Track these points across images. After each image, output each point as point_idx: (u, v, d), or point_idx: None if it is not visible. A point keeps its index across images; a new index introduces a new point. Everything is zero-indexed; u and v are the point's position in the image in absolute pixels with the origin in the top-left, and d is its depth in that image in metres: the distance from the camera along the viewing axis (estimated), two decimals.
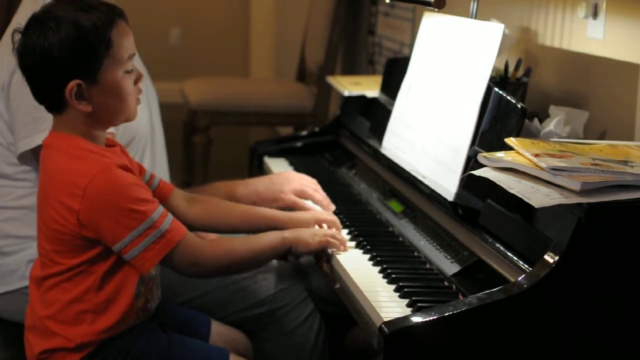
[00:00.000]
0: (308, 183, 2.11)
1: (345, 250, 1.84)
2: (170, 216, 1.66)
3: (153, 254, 1.63)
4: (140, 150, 2.08)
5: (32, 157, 1.93)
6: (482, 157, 1.70)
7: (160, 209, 1.65)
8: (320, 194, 2.10)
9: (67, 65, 1.60)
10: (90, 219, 1.61)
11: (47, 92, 1.65)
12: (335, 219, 1.96)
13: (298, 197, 2.07)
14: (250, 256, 1.77)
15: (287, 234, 1.81)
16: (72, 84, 1.61)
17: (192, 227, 1.88)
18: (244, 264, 1.80)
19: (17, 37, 1.64)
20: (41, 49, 1.60)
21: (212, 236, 2.06)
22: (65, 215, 1.62)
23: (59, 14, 1.61)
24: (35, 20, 1.63)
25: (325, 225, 1.94)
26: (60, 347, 1.67)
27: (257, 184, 2.10)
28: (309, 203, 2.09)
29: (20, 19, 1.98)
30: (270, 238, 1.79)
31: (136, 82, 1.69)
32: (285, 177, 2.13)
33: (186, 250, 1.66)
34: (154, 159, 2.15)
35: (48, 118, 1.86)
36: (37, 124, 1.88)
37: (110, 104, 1.65)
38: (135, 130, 2.03)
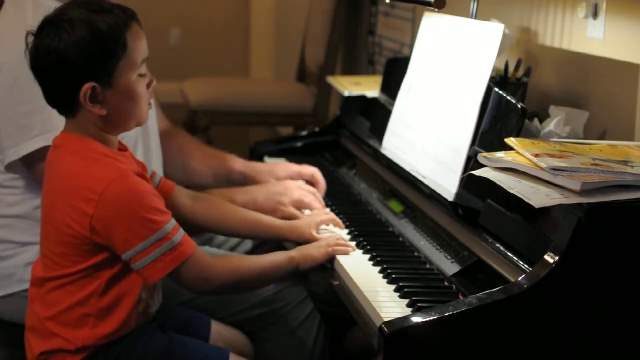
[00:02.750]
0: (306, 191, 2.12)
1: (353, 250, 1.84)
2: (181, 230, 1.65)
3: (162, 266, 1.62)
4: (131, 147, 2.06)
5: (20, 165, 1.91)
6: (482, 157, 1.70)
7: (173, 221, 1.64)
8: (319, 202, 2.10)
9: (83, 68, 1.59)
10: (103, 224, 1.59)
11: (61, 95, 1.63)
12: (334, 216, 1.97)
13: (297, 208, 2.07)
14: (257, 276, 1.76)
15: (294, 253, 1.80)
16: (87, 86, 1.59)
17: (193, 225, 1.88)
18: (251, 283, 1.79)
19: (30, 39, 1.62)
20: (56, 50, 1.58)
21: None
22: (77, 219, 1.61)
23: (73, 15, 1.59)
24: (48, 22, 1.61)
25: (331, 226, 1.95)
26: (60, 348, 1.66)
27: (256, 193, 2.11)
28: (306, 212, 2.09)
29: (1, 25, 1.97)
30: (277, 258, 1.78)
31: (148, 85, 1.68)
32: (284, 187, 2.12)
33: (195, 265, 1.65)
34: (148, 157, 2.13)
35: (35, 126, 1.85)
36: (23, 133, 1.86)
37: (124, 107, 1.64)
38: None
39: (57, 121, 1.81)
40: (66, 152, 1.66)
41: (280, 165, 2.27)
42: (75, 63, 1.58)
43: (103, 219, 1.59)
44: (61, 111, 1.67)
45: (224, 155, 2.31)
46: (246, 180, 2.26)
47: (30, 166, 1.90)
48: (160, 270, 1.62)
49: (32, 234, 1.92)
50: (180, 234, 1.64)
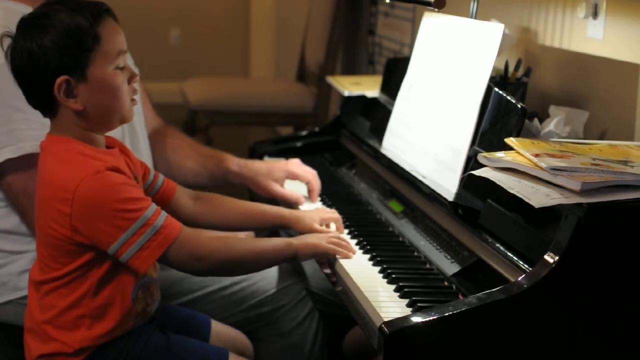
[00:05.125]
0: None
1: (353, 253, 1.83)
2: (164, 213, 1.64)
3: (149, 253, 1.61)
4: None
5: None
6: (482, 157, 1.70)
7: (153, 206, 1.63)
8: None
9: (54, 63, 1.59)
10: (82, 222, 1.59)
11: (38, 93, 1.63)
12: (338, 216, 1.97)
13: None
14: (253, 256, 1.73)
15: (293, 239, 1.78)
16: (60, 80, 1.59)
17: (197, 225, 1.88)
18: (246, 263, 1.75)
19: (7, 41, 1.63)
20: (28, 49, 1.59)
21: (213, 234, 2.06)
22: (57, 219, 1.61)
23: (46, 14, 1.61)
24: (23, 23, 1.62)
25: (332, 226, 1.95)
26: (58, 351, 1.66)
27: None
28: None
29: None
30: (275, 242, 1.77)
31: (130, 81, 1.67)
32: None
33: (186, 244, 1.64)
34: (136, 152, 2.11)
35: (2, 137, 1.84)
36: None
37: (101, 101, 1.63)
38: None
39: (24, 133, 1.80)
40: (47, 154, 1.66)
41: (277, 166, 2.24)
42: (47, 59, 1.59)
43: (81, 217, 1.59)
44: (44, 112, 1.67)
45: (219, 155, 2.29)
46: (243, 181, 2.25)
47: None
48: (149, 258, 1.61)
49: (24, 243, 1.91)
50: (163, 217, 1.63)
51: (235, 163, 2.25)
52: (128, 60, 1.70)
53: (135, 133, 2.11)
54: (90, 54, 1.61)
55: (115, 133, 1.96)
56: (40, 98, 1.64)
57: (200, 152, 2.31)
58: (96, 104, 1.63)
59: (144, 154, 2.14)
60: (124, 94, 1.65)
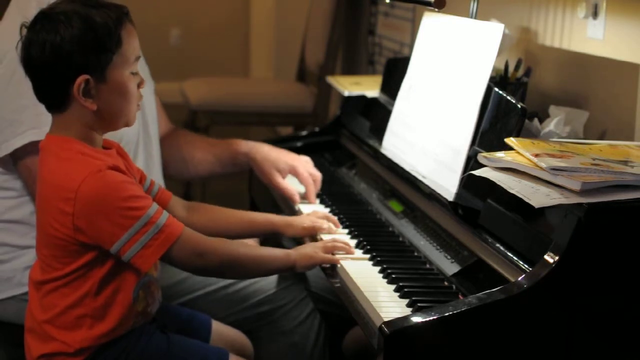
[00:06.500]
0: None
1: (352, 253, 1.83)
2: (165, 212, 1.64)
3: (152, 251, 1.61)
4: (132, 153, 2.06)
5: (12, 162, 1.91)
6: (482, 157, 1.70)
7: (155, 205, 1.63)
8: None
9: (78, 60, 1.58)
10: (85, 221, 1.59)
11: (53, 89, 1.62)
12: (329, 214, 1.97)
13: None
14: (252, 259, 1.73)
15: (291, 250, 1.78)
16: (81, 79, 1.59)
17: None
18: (246, 266, 1.75)
19: (23, 32, 1.62)
20: (52, 43, 1.58)
21: None
22: (60, 219, 1.61)
23: (68, 9, 1.60)
24: (43, 16, 1.61)
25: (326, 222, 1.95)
26: (59, 351, 1.66)
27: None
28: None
29: (4, 27, 1.97)
30: (274, 251, 1.77)
31: (139, 86, 1.68)
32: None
33: (187, 243, 1.64)
34: (150, 163, 2.13)
35: (26, 121, 1.85)
36: (14, 127, 1.86)
37: (115, 103, 1.64)
38: (121, 132, 2.00)
39: (49, 118, 1.81)
40: (47, 154, 1.66)
41: (284, 158, 2.24)
42: (71, 56, 1.58)
43: (84, 216, 1.59)
44: (50, 106, 1.66)
45: (227, 141, 2.33)
46: (250, 162, 2.27)
47: (19, 160, 1.90)
48: (151, 256, 1.61)
49: (31, 237, 1.91)
50: (165, 216, 1.63)
51: (244, 144, 2.29)
52: (144, 71, 1.71)
53: (149, 138, 2.13)
54: (113, 55, 1.61)
55: (130, 137, 1.98)
56: (54, 92, 1.63)
57: (210, 142, 2.37)
58: (110, 105, 1.64)
59: (155, 158, 2.16)
60: (134, 99, 1.67)
